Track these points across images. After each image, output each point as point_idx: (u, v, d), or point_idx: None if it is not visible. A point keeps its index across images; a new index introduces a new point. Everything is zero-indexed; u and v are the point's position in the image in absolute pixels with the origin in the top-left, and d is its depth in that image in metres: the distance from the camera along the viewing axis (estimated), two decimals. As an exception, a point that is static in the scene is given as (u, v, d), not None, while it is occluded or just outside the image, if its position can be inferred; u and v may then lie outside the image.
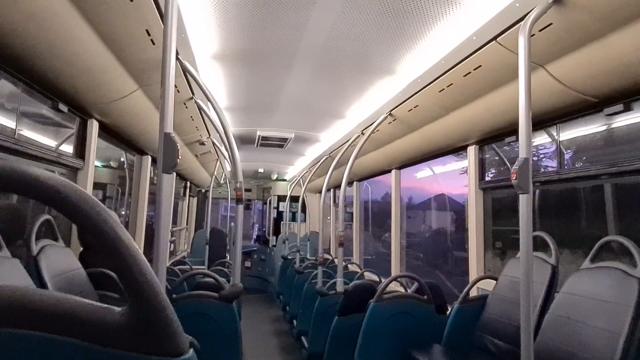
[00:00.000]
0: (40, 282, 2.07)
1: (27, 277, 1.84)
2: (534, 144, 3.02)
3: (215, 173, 6.84)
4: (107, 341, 0.55)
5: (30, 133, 2.58)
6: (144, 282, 0.54)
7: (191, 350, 0.58)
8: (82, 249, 2.96)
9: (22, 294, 0.54)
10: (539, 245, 2.63)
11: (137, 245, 0.57)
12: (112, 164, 5.01)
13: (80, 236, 2.96)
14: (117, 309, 0.56)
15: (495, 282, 2.86)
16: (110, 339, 0.55)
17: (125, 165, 4.58)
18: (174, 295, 2.62)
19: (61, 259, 2.35)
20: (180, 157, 1.69)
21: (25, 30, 1.72)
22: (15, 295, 0.54)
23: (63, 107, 2.55)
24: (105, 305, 0.56)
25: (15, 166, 0.52)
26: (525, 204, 1.64)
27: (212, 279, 2.83)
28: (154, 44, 2.12)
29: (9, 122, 2.31)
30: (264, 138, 5.34)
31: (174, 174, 5.79)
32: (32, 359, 0.54)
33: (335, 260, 4.86)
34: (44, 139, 2.75)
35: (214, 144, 4.95)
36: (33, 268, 2.06)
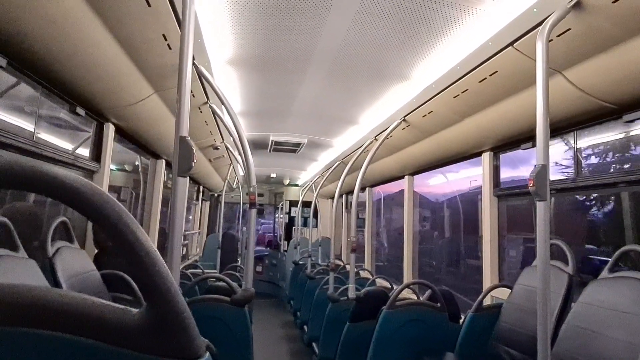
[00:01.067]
0: (55, 283, 2.09)
1: (43, 277, 1.87)
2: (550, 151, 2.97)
3: (228, 177, 6.88)
4: (124, 343, 0.55)
5: (48, 136, 2.62)
6: (162, 285, 0.54)
7: (207, 354, 0.58)
8: (96, 251, 2.99)
9: (41, 294, 0.55)
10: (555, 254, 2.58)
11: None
12: (127, 167, 5.06)
13: (96, 238, 2.99)
14: (135, 310, 0.56)
15: (509, 290, 2.82)
16: (127, 341, 0.55)
17: (139, 169, 4.63)
18: (186, 299, 2.63)
19: (76, 261, 2.38)
20: (195, 161, 1.70)
21: (45, 35, 1.76)
22: (35, 295, 0.54)
23: (80, 111, 2.59)
24: (123, 307, 0.56)
25: (37, 165, 0.53)
26: (542, 211, 1.61)
27: (224, 283, 2.83)
28: (170, 49, 2.14)
29: (28, 125, 2.35)
30: (277, 143, 5.36)
31: (188, 177, 5.84)
32: (49, 358, 0.54)
33: (347, 266, 4.84)
34: (61, 142, 2.79)
35: (227, 148, 4.97)
36: (48, 269, 2.09)
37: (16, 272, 1.71)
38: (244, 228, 7.75)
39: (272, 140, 5.23)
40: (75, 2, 1.63)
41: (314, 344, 4.83)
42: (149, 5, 1.74)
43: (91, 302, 0.55)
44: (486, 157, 3.39)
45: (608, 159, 2.83)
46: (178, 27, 1.95)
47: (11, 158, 0.53)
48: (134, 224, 0.55)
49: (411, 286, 3.68)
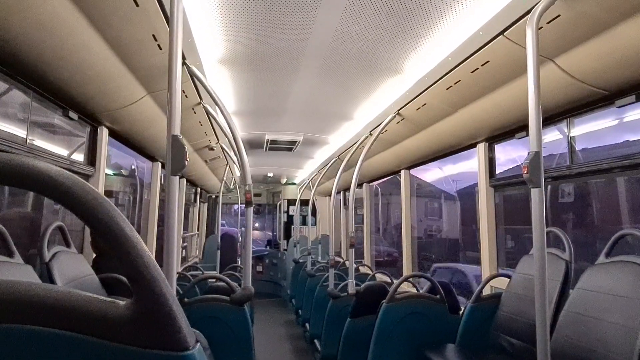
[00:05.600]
0: None
1: (40, 283, 1.85)
2: (545, 140, 2.98)
3: (225, 178, 6.88)
4: (110, 335, 0.54)
5: (41, 142, 2.61)
6: (148, 275, 0.54)
7: (197, 345, 0.57)
8: (94, 255, 2.98)
9: (26, 289, 0.54)
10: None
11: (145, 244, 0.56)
12: (124, 172, 5.05)
13: (94, 242, 2.98)
14: (122, 302, 0.55)
15: (508, 280, 2.82)
16: (114, 333, 0.54)
17: (135, 173, 4.62)
18: (186, 299, 2.63)
19: (73, 265, 2.37)
20: (188, 160, 1.70)
21: (34, 39, 1.75)
22: (20, 290, 0.54)
23: (73, 115, 2.58)
24: (110, 299, 0.55)
25: (14, 158, 0.52)
26: (537, 198, 1.61)
27: (223, 283, 2.83)
28: (161, 49, 2.13)
29: (20, 132, 2.33)
30: (273, 142, 5.35)
31: (185, 179, 5.82)
32: (36, 354, 0.54)
33: (347, 262, 4.84)
34: (55, 148, 2.77)
35: (222, 149, 4.97)
36: (45, 274, 2.08)
37: (12, 278, 1.70)
38: (242, 228, 7.75)
39: (268, 139, 5.22)
40: (63, 5, 1.62)
41: (316, 341, 4.83)
42: (137, 5, 1.73)
43: (77, 295, 0.54)
44: (481, 147, 3.39)
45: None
46: (167, 27, 1.94)
47: None
48: (118, 216, 0.54)
49: (411, 280, 3.69)
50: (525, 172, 1.60)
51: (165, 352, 0.54)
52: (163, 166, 4.44)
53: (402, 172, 5.05)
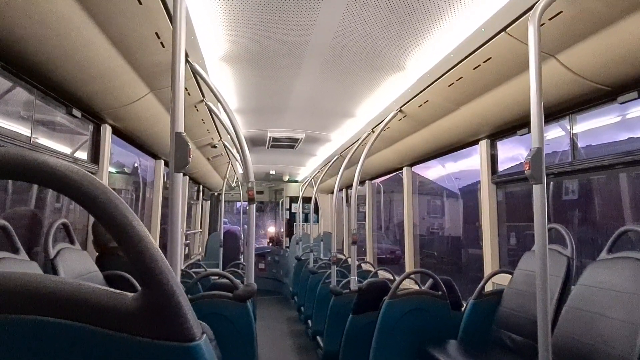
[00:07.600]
0: None
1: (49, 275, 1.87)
2: (547, 137, 2.98)
3: (227, 176, 6.89)
4: (119, 326, 0.55)
5: (45, 140, 2.62)
6: (155, 267, 0.55)
7: (204, 336, 0.58)
8: (97, 254, 2.99)
9: (36, 282, 0.55)
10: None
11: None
12: (126, 169, 5.07)
13: (95, 240, 2.99)
14: (130, 294, 0.56)
15: (510, 276, 2.83)
16: (123, 325, 0.55)
17: (138, 171, 4.63)
18: (189, 296, 2.64)
19: (78, 262, 2.38)
20: (191, 157, 1.71)
21: (38, 37, 1.76)
22: (30, 282, 0.55)
23: (77, 113, 2.59)
24: (119, 291, 0.56)
25: (24, 152, 0.53)
26: (539, 194, 1.62)
27: (226, 280, 2.84)
28: (163, 47, 2.14)
29: (25, 130, 2.34)
30: (275, 139, 5.36)
31: (188, 176, 5.83)
32: (45, 345, 0.55)
33: (349, 259, 4.86)
34: (58, 146, 2.79)
35: (225, 146, 4.97)
36: (51, 271, 2.10)
37: None
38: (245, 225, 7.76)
39: (270, 137, 5.23)
40: (67, 4, 1.63)
41: (318, 338, 4.85)
42: (140, 3, 1.74)
43: (86, 287, 0.55)
44: (483, 144, 3.40)
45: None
46: (170, 25, 1.94)
47: None
48: (124, 208, 0.55)
49: (413, 276, 3.69)
50: (527, 168, 1.61)
51: (172, 343, 0.55)
52: (166, 164, 4.46)
53: (404, 170, 5.05)
